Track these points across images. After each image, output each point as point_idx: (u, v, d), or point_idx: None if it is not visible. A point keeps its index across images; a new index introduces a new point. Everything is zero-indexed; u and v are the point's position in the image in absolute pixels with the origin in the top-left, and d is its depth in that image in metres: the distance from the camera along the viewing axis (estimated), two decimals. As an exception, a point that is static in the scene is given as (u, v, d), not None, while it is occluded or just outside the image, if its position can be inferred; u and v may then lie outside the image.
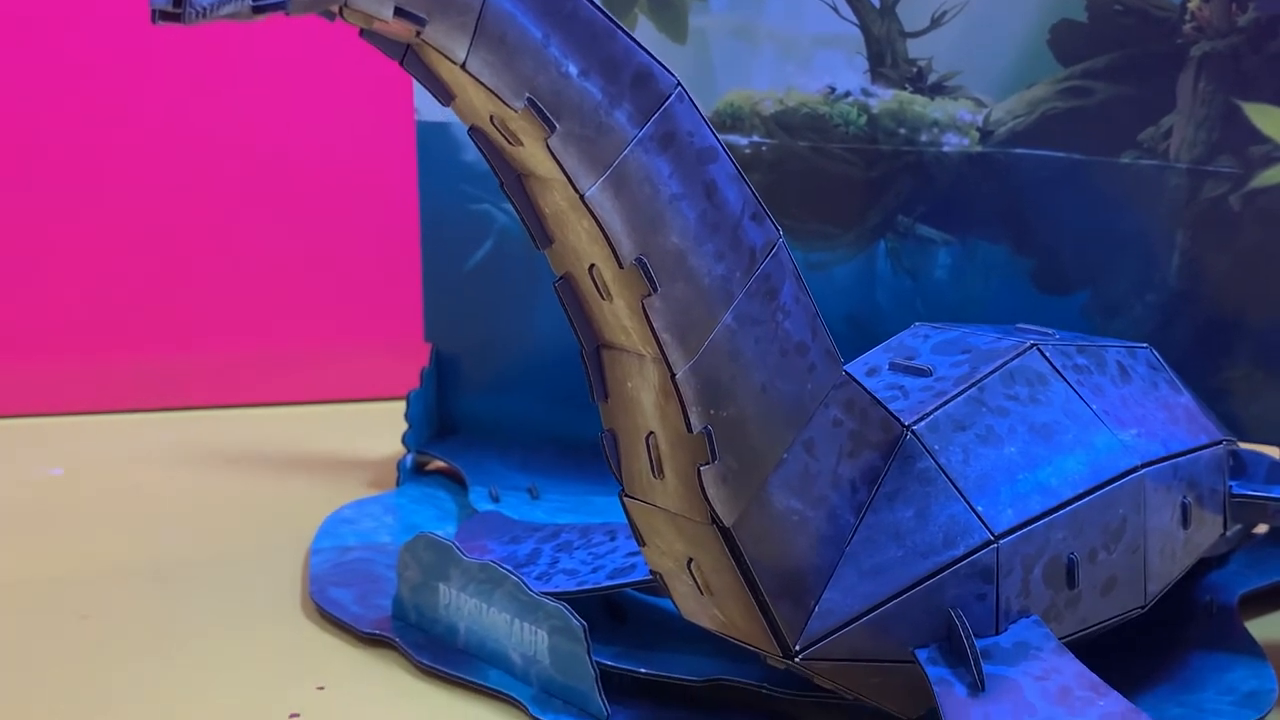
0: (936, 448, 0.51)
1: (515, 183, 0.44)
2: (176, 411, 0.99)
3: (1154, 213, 0.70)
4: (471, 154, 0.79)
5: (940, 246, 0.74)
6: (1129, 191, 0.70)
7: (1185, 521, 0.56)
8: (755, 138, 0.74)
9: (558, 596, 0.59)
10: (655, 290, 0.43)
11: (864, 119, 0.73)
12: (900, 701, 0.51)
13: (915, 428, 0.51)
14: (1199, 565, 0.69)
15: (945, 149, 0.72)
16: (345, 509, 0.77)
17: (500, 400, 0.85)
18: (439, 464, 0.86)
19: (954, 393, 0.53)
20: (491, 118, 0.42)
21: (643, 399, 0.46)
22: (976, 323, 0.73)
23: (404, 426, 0.84)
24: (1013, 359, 0.55)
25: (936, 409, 0.52)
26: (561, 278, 0.46)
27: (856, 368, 0.57)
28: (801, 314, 0.47)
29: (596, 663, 0.58)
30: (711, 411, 0.45)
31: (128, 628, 0.67)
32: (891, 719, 0.53)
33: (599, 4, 0.42)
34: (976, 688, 0.47)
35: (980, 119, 0.72)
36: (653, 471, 0.48)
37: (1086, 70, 0.71)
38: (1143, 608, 0.55)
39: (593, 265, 0.44)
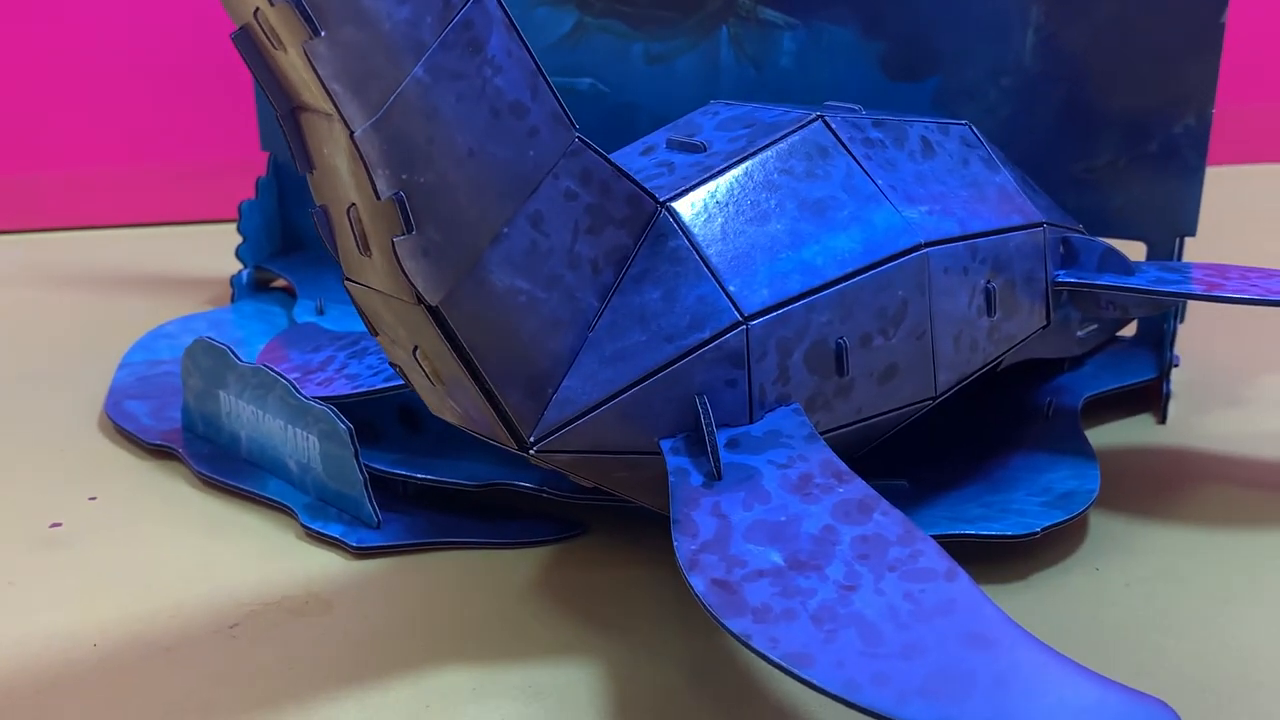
0: (691, 225, 0.46)
1: None
2: (24, 234, 0.95)
3: (1006, -14, 0.65)
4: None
5: (784, 31, 0.68)
6: (980, -38, 0.65)
7: (990, 308, 0.52)
8: (586, -85, 0.69)
9: (330, 400, 0.56)
10: (317, 33, 0.39)
11: (698, -110, 0.67)
12: (656, 497, 0.48)
13: (670, 204, 0.46)
14: (1048, 366, 0.65)
15: (785, -79, 0.66)
16: (169, 324, 0.74)
17: (345, 212, 0.81)
18: (284, 281, 0.82)
19: (721, 167, 0.48)
20: None
21: (339, 165, 0.42)
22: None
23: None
24: (793, 132, 0.50)
25: (697, 184, 0.47)
26: (241, 29, 0.41)
27: (635, 147, 0.53)
28: (517, 70, 0.42)
29: (368, 468, 0.55)
30: (404, 176, 0.41)
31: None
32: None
33: None
34: (713, 477, 0.44)
35: (820, -114, 0.65)
36: (359, 248, 0.43)
37: None
38: (933, 399, 0.51)
39: (257, 9, 0.39)
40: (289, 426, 0.56)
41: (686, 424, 0.45)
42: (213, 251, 0.87)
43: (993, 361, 0.54)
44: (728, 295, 0.45)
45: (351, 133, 0.40)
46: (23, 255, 0.92)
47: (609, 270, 0.45)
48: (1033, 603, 0.49)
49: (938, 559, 0.40)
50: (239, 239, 0.82)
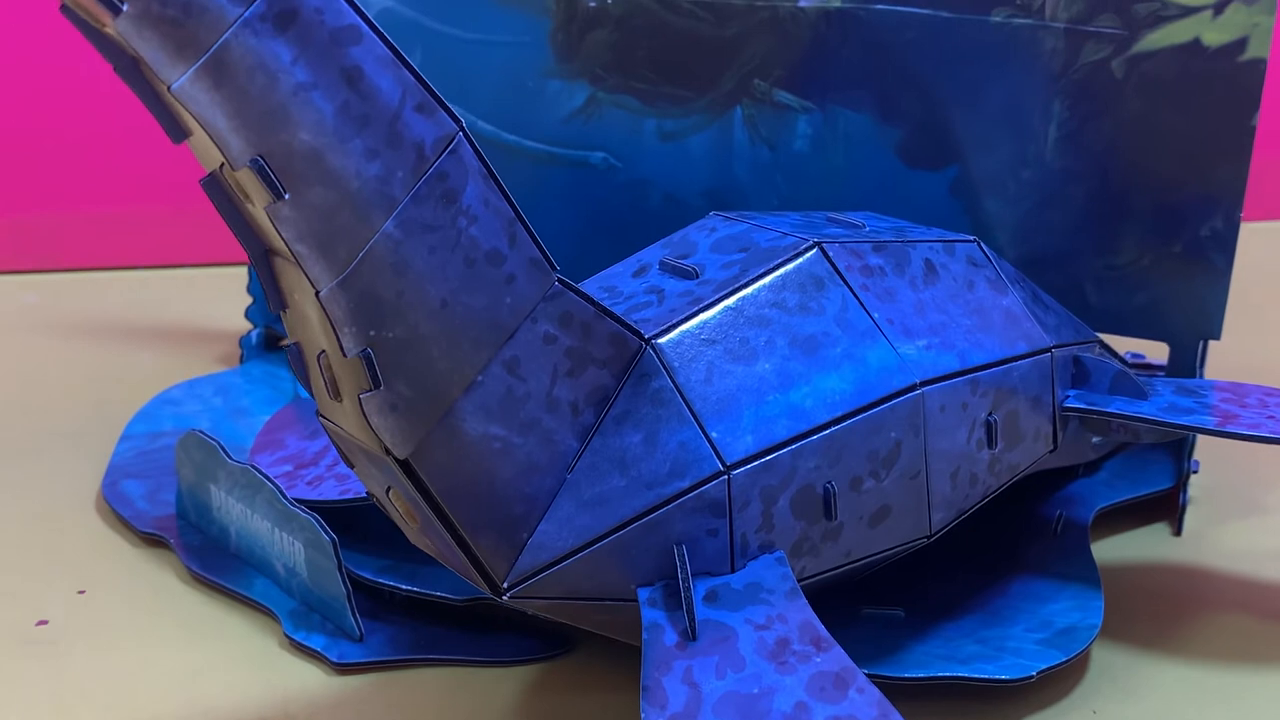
0: (676, 365, 0.45)
1: (129, 67, 0.38)
2: (48, 274, 0.95)
3: (1029, 79, 0.62)
4: None
5: (799, 114, 0.66)
6: (1001, 55, 0.62)
7: (991, 440, 0.50)
8: (600, -11, 0.67)
9: (316, 506, 0.55)
10: (282, 196, 0.38)
11: (713, -30, 0.65)
12: (635, 639, 0.46)
13: (655, 342, 0.45)
14: (1060, 475, 0.63)
15: (802, 4, 0.64)
16: (174, 389, 0.73)
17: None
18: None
19: (711, 300, 0.47)
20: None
21: (309, 314, 0.41)
22: (838, 200, 0.67)
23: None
24: (788, 261, 0.48)
25: (685, 320, 0.46)
26: (210, 175, 0.40)
27: (628, 264, 0.51)
28: (494, 218, 0.41)
29: (354, 580, 0.54)
30: (372, 333, 0.40)
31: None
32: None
33: None
34: (688, 636, 0.42)
35: (839, -30, 0.63)
36: (329, 392, 0.42)
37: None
38: (928, 537, 0.49)
39: (222, 164, 0.38)
40: (276, 529, 0.55)
41: (665, 571, 0.44)
42: (231, 296, 0.86)
43: (994, 493, 0.52)
44: (710, 442, 0.44)
45: (317, 292, 0.39)
46: (39, 298, 0.92)
47: (589, 411, 0.44)
48: (1024, 751, 0.48)
49: (909, 750, 0.38)
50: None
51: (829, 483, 0.46)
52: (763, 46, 0.66)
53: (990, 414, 0.50)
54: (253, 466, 0.56)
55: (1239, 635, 0.55)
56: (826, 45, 0.65)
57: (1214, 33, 0.59)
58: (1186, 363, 0.64)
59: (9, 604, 0.56)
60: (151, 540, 0.61)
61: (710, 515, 0.44)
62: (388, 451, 0.41)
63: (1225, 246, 0.62)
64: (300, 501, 0.55)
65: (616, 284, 0.49)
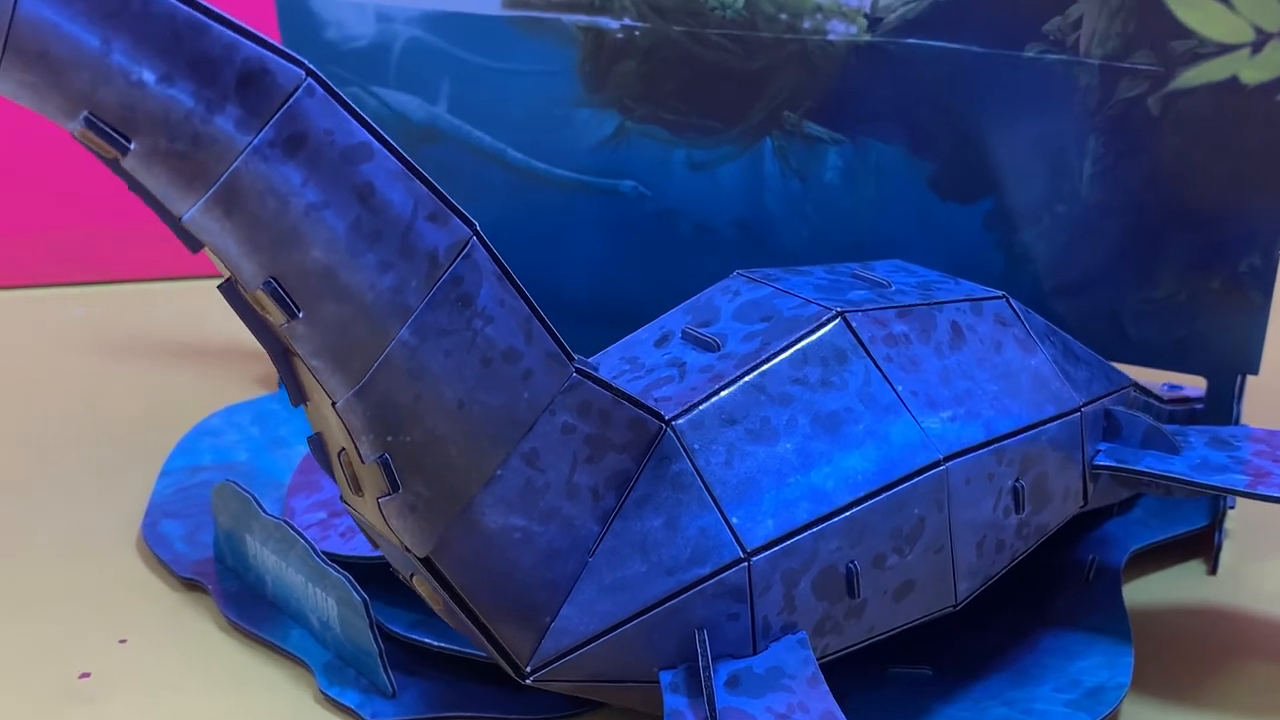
0: (696, 447, 0.45)
1: (142, 187, 0.38)
2: (94, 285, 0.96)
3: (1063, 114, 0.61)
4: (335, 32, 0.72)
5: (830, 146, 0.65)
6: (1034, 90, 0.61)
7: (1018, 506, 0.50)
8: (627, 20, 0.66)
9: (348, 561, 0.56)
10: (296, 315, 0.38)
11: (742, 2, 0.64)
12: (660, 709, 0.47)
13: (675, 423, 0.45)
14: (1093, 516, 0.62)
15: (831, 38, 0.63)
16: (213, 418, 0.74)
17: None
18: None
19: (732, 377, 0.46)
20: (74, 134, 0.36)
21: (328, 415, 0.41)
22: (869, 232, 0.66)
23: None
24: (810, 334, 0.48)
25: (705, 399, 0.46)
26: (226, 280, 0.40)
27: (651, 331, 0.51)
28: (509, 318, 0.41)
29: (387, 634, 0.54)
30: (389, 439, 0.40)
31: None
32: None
33: None
34: (708, 725, 0.43)
35: (868, 5, 0.62)
36: (349, 487, 0.43)
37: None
38: (954, 606, 0.49)
39: (234, 278, 0.39)
40: (309, 584, 0.56)
41: (687, 653, 0.45)
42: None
43: (1023, 554, 0.52)
44: (730, 528, 0.44)
45: (334, 403, 0.39)
46: (85, 311, 0.93)
47: (610, 495, 0.44)
48: (1050, 818, 0.48)
49: None
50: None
51: (851, 562, 0.46)
52: (791, 79, 0.65)
53: (1017, 479, 0.50)
54: (286, 522, 0.56)
55: (1271, 686, 0.54)
56: (857, 79, 0.64)
57: (1252, 70, 0.58)
58: (1224, 396, 0.63)
59: (54, 655, 0.58)
60: (191, 585, 0.62)
61: (731, 600, 0.44)
62: (408, 549, 0.42)
63: (1263, 282, 0.60)
64: (332, 557, 0.56)
65: (639, 354, 0.49)
